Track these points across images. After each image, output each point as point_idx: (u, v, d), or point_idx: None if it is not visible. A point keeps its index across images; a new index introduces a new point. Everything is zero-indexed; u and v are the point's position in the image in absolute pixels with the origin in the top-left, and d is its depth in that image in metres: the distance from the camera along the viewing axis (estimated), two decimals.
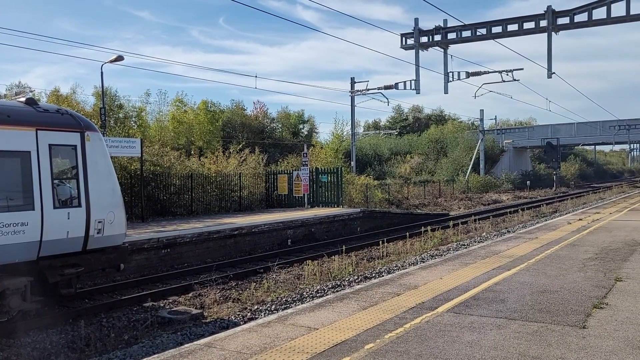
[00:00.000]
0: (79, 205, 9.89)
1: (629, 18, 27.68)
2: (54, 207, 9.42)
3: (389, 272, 13.01)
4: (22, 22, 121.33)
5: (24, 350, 8.34)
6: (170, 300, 11.47)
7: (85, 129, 10.25)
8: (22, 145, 9.15)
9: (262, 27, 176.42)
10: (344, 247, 16.71)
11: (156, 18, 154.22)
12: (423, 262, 13.82)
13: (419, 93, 34.67)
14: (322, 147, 42.86)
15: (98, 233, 10.09)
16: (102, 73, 27.66)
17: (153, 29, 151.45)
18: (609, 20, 28.22)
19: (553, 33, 29.03)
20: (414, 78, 33.94)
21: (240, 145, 30.65)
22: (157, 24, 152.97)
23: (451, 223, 24.20)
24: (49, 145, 9.53)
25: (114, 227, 10.40)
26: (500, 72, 35.39)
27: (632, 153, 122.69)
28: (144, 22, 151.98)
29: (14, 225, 8.77)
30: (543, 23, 29.38)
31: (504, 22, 30.92)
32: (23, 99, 10.11)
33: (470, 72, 34.51)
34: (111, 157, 11.40)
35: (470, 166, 53.37)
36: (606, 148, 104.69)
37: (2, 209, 8.68)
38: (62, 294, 9.86)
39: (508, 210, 30.67)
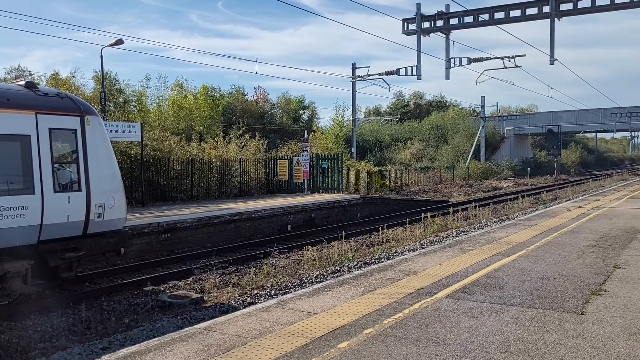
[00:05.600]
0: (79, 189, 9.90)
1: (632, 4, 27.50)
2: (54, 191, 9.43)
3: (388, 258, 13.05)
4: (20, 4, 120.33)
5: (25, 332, 8.39)
6: (171, 285, 11.52)
7: (85, 113, 10.22)
8: (21, 129, 9.13)
9: (261, 11, 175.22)
10: (343, 233, 16.73)
11: (155, 1, 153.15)
12: (422, 248, 13.86)
13: (420, 79, 34.62)
14: (322, 133, 42.77)
15: (98, 217, 10.11)
16: (101, 57, 27.47)
17: (152, 13, 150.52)
18: (612, 6, 28.05)
19: (556, 19, 28.86)
20: (416, 64, 33.86)
21: (241, 131, 30.60)
22: (155, 8, 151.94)
23: (451, 210, 24.23)
24: (49, 129, 9.51)
25: (114, 211, 10.42)
26: (502, 58, 35.20)
27: (633, 141, 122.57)
28: (143, 6, 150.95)
29: (15, 209, 8.78)
30: (546, 9, 29.20)
31: (507, 8, 30.73)
32: (22, 83, 10.06)
33: (472, 58, 34.40)
34: (111, 142, 11.37)
35: (471, 153, 53.27)
36: (607, 136, 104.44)
37: (2, 192, 8.69)
38: (62, 277, 9.90)
39: (508, 197, 30.67)
